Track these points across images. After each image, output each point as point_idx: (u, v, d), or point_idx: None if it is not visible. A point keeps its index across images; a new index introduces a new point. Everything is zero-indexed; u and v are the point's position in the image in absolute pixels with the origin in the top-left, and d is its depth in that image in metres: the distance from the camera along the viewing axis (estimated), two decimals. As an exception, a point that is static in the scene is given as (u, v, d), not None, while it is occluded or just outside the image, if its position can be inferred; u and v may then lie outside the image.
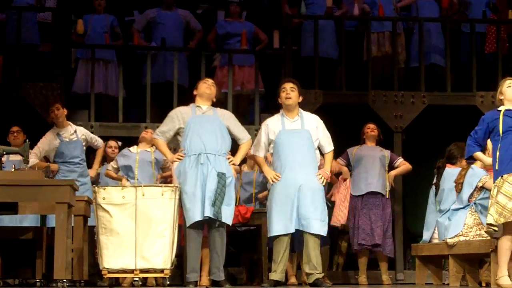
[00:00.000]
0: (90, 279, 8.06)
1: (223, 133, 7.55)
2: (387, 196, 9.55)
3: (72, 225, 7.26)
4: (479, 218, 7.93)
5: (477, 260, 8.19)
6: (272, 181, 7.52)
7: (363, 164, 9.51)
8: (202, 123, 7.50)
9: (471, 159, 7.34)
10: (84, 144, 9.11)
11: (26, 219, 8.55)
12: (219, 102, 8.01)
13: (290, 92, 7.59)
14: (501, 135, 6.93)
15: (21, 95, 10.58)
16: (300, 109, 7.70)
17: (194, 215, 7.32)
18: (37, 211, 7.66)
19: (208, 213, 7.29)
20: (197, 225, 7.41)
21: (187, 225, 7.37)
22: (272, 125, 7.65)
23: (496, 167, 6.89)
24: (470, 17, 11.48)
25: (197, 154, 7.41)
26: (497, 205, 6.84)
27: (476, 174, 8.04)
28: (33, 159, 8.68)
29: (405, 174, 9.96)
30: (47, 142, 9.02)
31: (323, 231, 7.48)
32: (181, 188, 7.41)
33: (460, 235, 8.03)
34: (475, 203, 8.03)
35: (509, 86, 7.09)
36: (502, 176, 6.87)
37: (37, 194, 6.76)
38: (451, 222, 8.17)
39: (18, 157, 7.99)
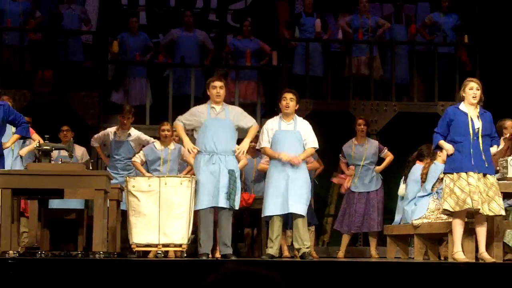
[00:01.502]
0: (121, 252, 8.06)
1: (232, 134, 7.50)
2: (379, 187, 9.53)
3: (108, 207, 7.29)
4: (439, 203, 7.93)
5: (437, 239, 8.20)
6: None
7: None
8: (216, 127, 7.43)
9: (438, 148, 7.23)
10: (133, 145, 9.06)
11: (71, 203, 8.56)
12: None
13: (289, 101, 7.57)
14: (471, 135, 6.82)
15: (67, 102, 10.60)
16: (295, 114, 7.70)
17: (203, 202, 7.33)
18: (79, 196, 7.67)
19: (223, 204, 7.29)
20: (209, 210, 7.42)
21: (196, 208, 7.37)
22: (271, 125, 7.67)
23: (458, 163, 6.82)
24: (436, 41, 11.45)
25: (210, 154, 7.39)
26: (454, 195, 6.83)
27: (438, 168, 8.04)
28: (95, 144, 9.14)
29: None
30: (102, 135, 9.11)
31: (303, 211, 7.44)
32: (197, 179, 7.41)
33: (423, 218, 8.03)
34: (437, 192, 8.03)
35: (471, 89, 6.96)
36: (458, 173, 6.83)
37: (79, 182, 6.79)
38: (417, 207, 8.17)
39: (65, 153, 8.01)
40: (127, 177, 7.53)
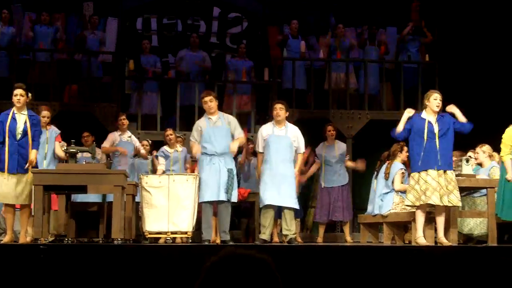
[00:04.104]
0: (136, 238, 8.06)
1: (229, 138, 7.51)
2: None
3: (125, 201, 7.28)
4: (402, 196, 7.94)
5: (402, 226, 8.21)
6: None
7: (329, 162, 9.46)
8: (215, 134, 7.44)
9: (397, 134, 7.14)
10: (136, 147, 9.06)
11: (93, 197, 8.55)
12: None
13: (279, 111, 7.60)
14: (425, 138, 6.83)
15: (90, 112, 10.59)
16: (286, 121, 7.71)
17: (205, 195, 7.34)
18: (100, 192, 7.67)
19: (223, 197, 7.30)
20: (210, 202, 7.42)
21: (199, 201, 7.37)
22: (265, 130, 7.67)
23: (419, 163, 6.82)
24: (401, 59, 11.47)
25: (211, 155, 7.41)
26: (415, 192, 6.83)
27: (397, 167, 8.08)
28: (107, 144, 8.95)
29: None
30: (111, 139, 9.02)
31: (295, 204, 7.51)
32: (200, 176, 7.41)
33: (391, 210, 8.04)
34: None
35: (435, 99, 6.95)
36: (419, 172, 6.84)
37: (100, 180, 6.78)
38: (383, 202, 8.18)
39: (88, 154, 8.01)
40: (141, 175, 7.52)
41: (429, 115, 6.91)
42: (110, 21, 11.74)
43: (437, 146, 6.82)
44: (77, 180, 6.64)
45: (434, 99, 6.91)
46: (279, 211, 7.84)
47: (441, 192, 6.74)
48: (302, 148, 7.70)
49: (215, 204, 7.47)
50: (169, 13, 12.60)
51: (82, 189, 6.98)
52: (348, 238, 9.37)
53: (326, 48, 11.45)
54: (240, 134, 7.64)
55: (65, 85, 10.97)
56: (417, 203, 6.82)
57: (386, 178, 8.18)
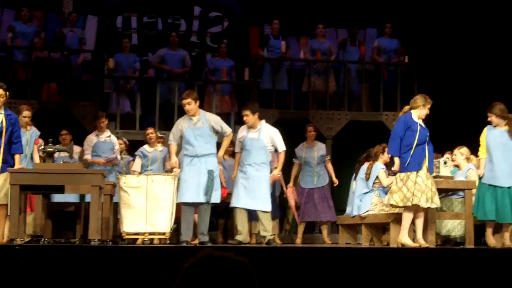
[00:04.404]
0: (114, 239, 7.99)
1: (210, 138, 7.44)
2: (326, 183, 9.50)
3: (102, 201, 7.21)
4: (380, 197, 7.96)
5: (380, 227, 8.22)
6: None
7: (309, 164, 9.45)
8: (195, 135, 7.38)
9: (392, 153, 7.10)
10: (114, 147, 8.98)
11: (70, 197, 8.46)
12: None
13: (245, 117, 7.57)
14: (415, 142, 6.81)
15: (68, 110, 10.49)
16: (261, 122, 7.66)
17: (185, 196, 7.29)
18: (78, 192, 7.59)
19: (202, 199, 7.25)
20: (190, 203, 7.37)
21: (178, 201, 7.32)
22: (241, 133, 7.66)
23: (407, 164, 6.81)
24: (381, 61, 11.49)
25: (192, 157, 7.35)
26: (401, 193, 6.81)
27: (378, 167, 8.09)
28: (87, 156, 8.74)
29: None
30: (89, 146, 8.89)
31: (268, 207, 7.46)
32: (180, 177, 7.35)
33: (369, 211, 8.05)
34: (378, 189, 8.06)
35: (429, 108, 6.91)
36: (407, 173, 6.84)
37: (78, 179, 6.70)
38: (362, 202, 8.20)
39: (66, 154, 7.93)
40: (119, 175, 7.46)
41: (419, 119, 6.93)
42: (90, 19, 11.64)
43: (426, 149, 6.85)
44: (54, 180, 6.55)
45: (429, 109, 6.96)
46: (253, 213, 7.81)
47: (428, 195, 6.75)
48: (281, 147, 7.66)
49: (195, 205, 7.43)
50: (150, 12, 12.54)
51: (60, 189, 6.89)
52: (327, 239, 9.37)
53: (306, 48, 11.45)
54: (228, 130, 7.58)
55: (43, 83, 10.87)
56: (401, 204, 6.81)
57: (367, 178, 8.19)
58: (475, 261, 5.66)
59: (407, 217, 6.89)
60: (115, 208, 8.06)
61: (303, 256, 5.89)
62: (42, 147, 6.93)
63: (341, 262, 5.76)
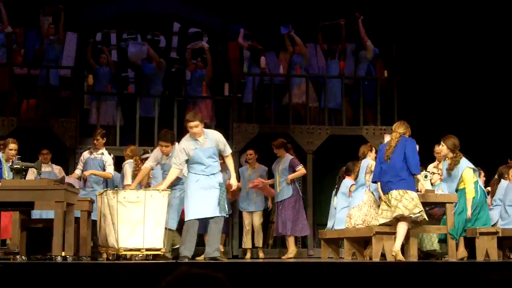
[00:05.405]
0: (92, 255, 7.83)
1: (216, 156, 7.30)
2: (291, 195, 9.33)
3: (78, 216, 7.03)
4: (374, 196, 7.87)
5: (362, 242, 8.15)
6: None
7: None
8: (203, 155, 7.21)
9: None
10: (104, 165, 8.83)
11: (50, 213, 8.29)
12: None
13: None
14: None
15: (48, 127, 10.35)
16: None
17: (198, 212, 7.13)
18: (46, 208, 7.39)
19: (217, 213, 7.11)
20: (199, 219, 7.23)
21: (187, 218, 7.16)
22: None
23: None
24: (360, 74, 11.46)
25: (199, 175, 7.19)
26: (389, 212, 6.93)
27: (367, 162, 8.10)
28: (76, 171, 8.83)
29: (301, 177, 9.84)
30: (81, 157, 8.94)
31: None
32: (186, 193, 7.21)
33: (355, 207, 8.01)
34: (369, 185, 7.96)
35: None
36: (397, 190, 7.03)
37: (43, 196, 6.52)
38: (353, 198, 8.17)
39: (44, 170, 7.78)
40: (119, 190, 7.29)
41: None
42: (70, 36, 11.52)
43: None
44: (21, 196, 6.42)
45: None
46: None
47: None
48: (227, 151, 7.49)
49: (206, 220, 7.28)
50: (129, 28, 12.46)
51: (29, 206, 6.74)
52: (291, 249, 9.20)
53: (286, 63, 11.41)
54: (228, 150, 7.42)
55: (22, 100, 10.73)
56: (407, 213, 7.00)
57: (355, 177, 8.19)
58: (457, 274, 5.60)
59: (404, 228, 7.01)
60: (94, 225, 7.90)
61: (284, 271, 5.78)
62: (10, 164, 6.81)
63: (323, 277, 5.66)
